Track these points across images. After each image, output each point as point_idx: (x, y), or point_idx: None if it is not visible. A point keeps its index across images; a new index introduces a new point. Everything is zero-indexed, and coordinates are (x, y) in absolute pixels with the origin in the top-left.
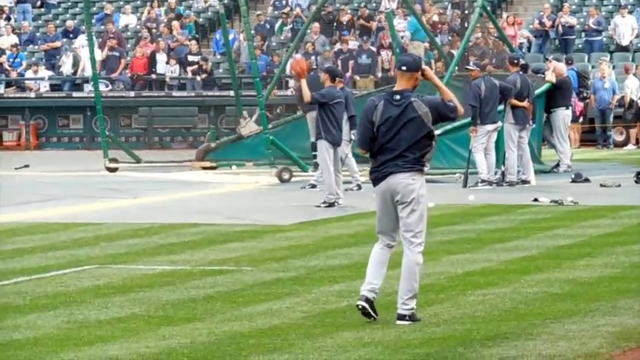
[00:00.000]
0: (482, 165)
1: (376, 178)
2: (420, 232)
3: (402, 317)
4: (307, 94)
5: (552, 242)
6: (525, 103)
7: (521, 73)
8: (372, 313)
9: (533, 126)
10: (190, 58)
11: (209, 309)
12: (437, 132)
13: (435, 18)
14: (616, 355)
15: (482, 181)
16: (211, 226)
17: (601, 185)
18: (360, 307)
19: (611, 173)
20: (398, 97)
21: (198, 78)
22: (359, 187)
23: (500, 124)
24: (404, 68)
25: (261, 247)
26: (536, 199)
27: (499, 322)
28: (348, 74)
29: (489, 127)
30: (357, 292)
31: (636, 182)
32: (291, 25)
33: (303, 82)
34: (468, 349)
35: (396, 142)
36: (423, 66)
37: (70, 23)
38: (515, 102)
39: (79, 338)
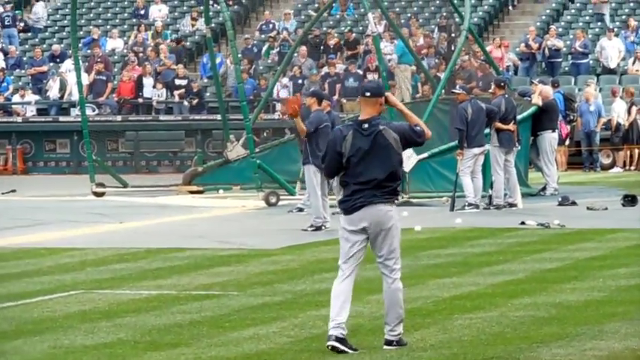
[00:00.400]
0: (470, 188)
1: (350, 208)
2: (398, 258)
3: (389, 343)
4: (303, 130)
5: (539, 266)
6: (511, 126)
7: (506, 96)
8: (345, 349)
9: (519, 148)
10: (177, 81)
11: (195, 334)
12: (424, 155)
13: (422, 41)
14: None
15: (470, 204)
16: (198, 251)
17: (588, 208)
18: (330, 347)
19: (598, 196)
20: (366, 125)
21: (186, 103)
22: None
23: (487, 147)
24: (368, 94)
25: (247, 272)
26: (523, 223)
27: (486, 347)
28: (335, 97)
29: (476, 150)
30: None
31: (623, 205)
32: (278, 49)
33: (298, 121)
34: None
35: (370, 172)
36: (386, 92)
37: (56, 47)
38: (500, 125)
39: None
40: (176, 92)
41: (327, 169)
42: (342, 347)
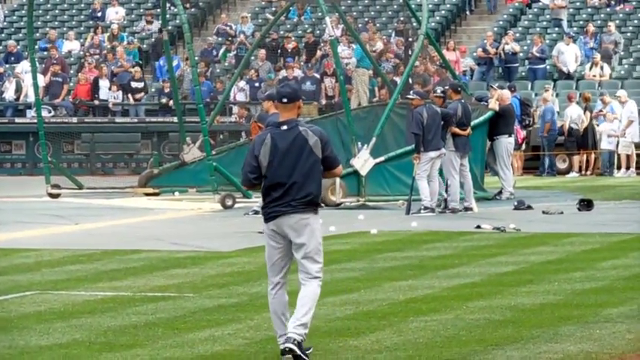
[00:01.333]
0: (426, 192)
1: (268, 215)
2: (319, 263)
3: (291, 340)
4: None
5: (494, 269)
6: (467, 132)
7: (462, 100)
8: (302, 355)
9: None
10: (134, 84)
11: (151, 335)
12: (380, 159)
13: (380, 46)
14: None
15: (425, 208)
16: (153, 253)
17: (543, 212)
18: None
19: (554, 201)
20: (285, 127)
21: (164, 100)
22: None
23: (443, 151)
24: (285, 100)
25: (203, 274)
26: (478, 226)
27: (441, 349)
28: None
29: (432, 154)
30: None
31: (579, 210)
32: (235, 52)
33: None
34: None
35: (288, 176)
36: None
37: (12, 45)
38: (456, 130)
39: None
40: (136, 96)
41: (243, 175)
42: (300, 352)
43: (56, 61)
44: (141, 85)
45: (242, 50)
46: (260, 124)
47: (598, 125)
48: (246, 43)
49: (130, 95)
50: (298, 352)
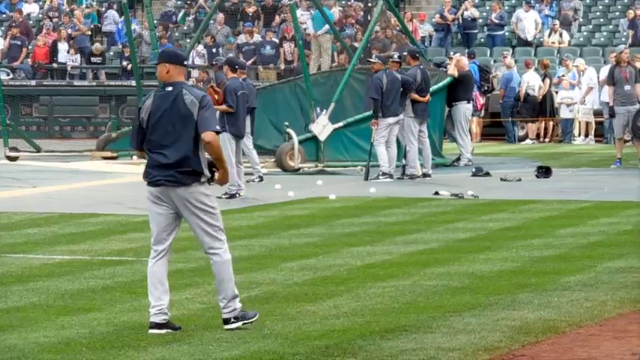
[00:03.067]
0: (384, 158)
1: (151, 181)
2: (218, 229)
3: (227, 321)
4: (228, 110)
5: (452, 235)
6: (426, 98)
7: (421, 66)
8: (170, 331)
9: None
10: (93, 59)
11: (108, 299)
12: (339, 124)
13: (335, 11)
14: (515, 349)
15: (384, 173)
16: (111, 217)
17: (502, 179)
18: (153, 334)
19: (512, 168)
20: (170, 88)
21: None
22: (261, 178)
23: (402, 117)
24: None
25: None
26: (436, 193)
27: (399, 315)
28: (249, 62)
29: (391, 119)
30: (257, 283)
31: (537, 177)
32: (194, 16)
33: (221, 107)
34: (368, 341)
35: (164, 137)
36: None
37: None
38: (415, 96)
39: None
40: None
41: (131, 136)
42: (164, 331)
43: (17, 24)
44: (99, 60)
45: (201, 14)
46: (216, 89)
47: (557, 92)
48: (205, 6)
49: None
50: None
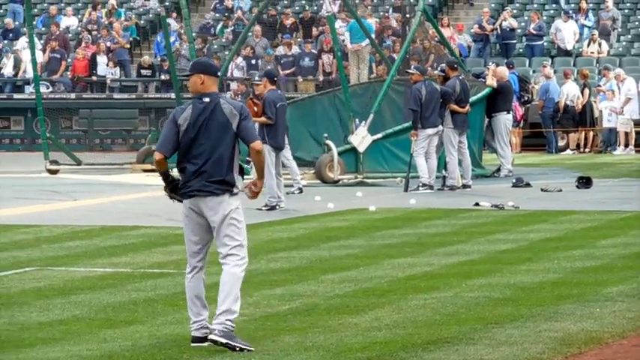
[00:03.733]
0: (424, 169)
1: (185, 194)
2: (239, 246)
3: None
4: (267, 121)
5: (493, 247)
6: (465, 109)
7: (460, 77)
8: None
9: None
10: (143, 72)
11: (150, 312)
12: (378, 136)
13: (373, 22)
14: None
15: (424, 185)
16: (152, 229)
17: (542, 190)
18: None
19: (553, 178)
20: (207, 99)
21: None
22: (300, 190)
23: (441, 128)
24: (195, 70)
25: None
26: (477, 204)
27: (440, 327)
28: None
29: (430, 131)
30: (298, 295)
31: (578, 187)
32: (232, 28)
33: (259, 120)
34: (410, 353)
35: (201, 147)
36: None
37: (8, 21)
38: (455, 107)
39: (20, 340)
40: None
41: (160, 140)
42: (206, 344)
43: (55, 38)
44: (149, 72)
45: (239, 26)
46: (256, 101)
47: (596, 102)
48: (243, 19)
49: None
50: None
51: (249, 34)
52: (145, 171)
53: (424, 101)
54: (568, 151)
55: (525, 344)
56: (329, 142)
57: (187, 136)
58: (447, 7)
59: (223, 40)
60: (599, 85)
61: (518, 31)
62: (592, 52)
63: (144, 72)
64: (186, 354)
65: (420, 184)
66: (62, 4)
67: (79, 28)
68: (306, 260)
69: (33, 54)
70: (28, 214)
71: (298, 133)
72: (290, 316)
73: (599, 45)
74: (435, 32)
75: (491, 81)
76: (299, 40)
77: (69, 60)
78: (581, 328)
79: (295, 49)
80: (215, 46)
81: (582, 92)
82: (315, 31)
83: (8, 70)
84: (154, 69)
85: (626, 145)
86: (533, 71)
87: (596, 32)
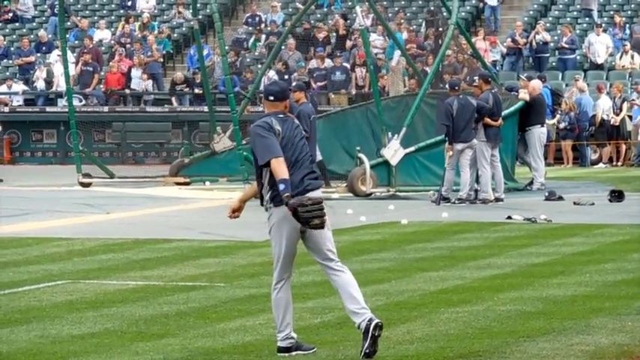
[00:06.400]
0: (449, 183)
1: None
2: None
3: (367, 328)
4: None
5: (526, 260)
6: (498, 122)
7: (493, 90)
8: (299, 352)
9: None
10: (178, 87)
11: (182, 325)
12: (411, 149)
13: (405, 35)
14: None
15: (458, 199)
16: (184, 242)
17: (575, 203)
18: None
19: (585, 192)
20: (282, 115)
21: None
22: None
23: (474, 143)
24: (271, 98)
25: (234, 263)
26: (509, 217)
27: (472, 340)
28: (318, 85)
29: (459, 146)
30: (330, 308)
31: (610, 201)
32: (266, 42)
33: None
34: None
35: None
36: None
37: (42, 34)
38: (488, 121)
39: (52, 353)
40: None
41: (272, 149)
42: (293, 353)
43: (88, 51)
44: (183, 87)
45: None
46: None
47: (631, 118)
48: (276, 32)
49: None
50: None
51: (282, 47)
52: (178, 184)
53: (455, 116)
54: (601, 165)
55: (557, 358)
56: (361, 155)
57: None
58: (480, 20)
59: (256, 53)
60: (633, 100)
61: (551, 44)
62: (624, 66)
63: (178, 88)
64: None
65: (457, 198)
66: (95, 18)
67: (112, 42)
68: None
69: (66, 67)
70: (60, 227)
71: (331, 146)
72: (322, 329)
73: (632, 57)
74: (469, 45)
75: (524, 95)
76: (332, 53)
77: (101, 73)
78: (613, 342)
79: (328, 62)
80: (248, 60)
81: (621, 107)
82: (348, 44)
83: (41, 84)
84: (188, 84)
85: None
86: (566, 85)
87: (628, 44)
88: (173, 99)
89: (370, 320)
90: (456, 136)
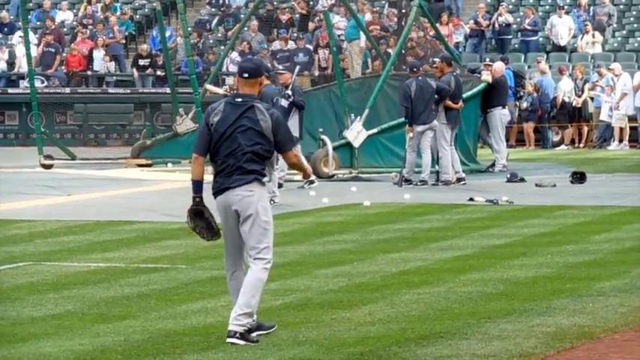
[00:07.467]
0: (409, 165)
1: (216, 191)
2: (266, 248)
3: (232, 334)
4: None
5: (487, 242)
6: (459, 105)
7: (455, 73)
8: (250, 339)
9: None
10: (141, 61)
11: (143, 307)
12: (373, 131)
13: (369, 17)
14: (550, 355)
15: (421, 180)
16: (146, 224)
17: (536, 185)
18: (230, 343)
19: (547, 173)
20: (240, 99)
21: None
22: (312, 182)
23: (434, 124)
24: (245, 75)
25: (196, 245)
26: (471, 199)
27: (434, 322)
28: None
29: (419, 128)
30: (292, 290)
31: (572, 182)
32: (225, 23)
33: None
34: (403, 348)
35: (232, 147)
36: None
37: (4, 15)
38: (449, 103)
39: (13, 335)
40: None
41: (195, 142)
42: (244, 341)
43: (50, 32)
44: (147, 61)
45: (229, 24)
46: None
47: (592, 99)
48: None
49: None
50: (242, 343)
51: (245, 28)
52: (140, 166)
53: (414, 97)
54: (563, 147)
55: (518, 339)
56: (324, 136)
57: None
58: (443, 2)
59: (219, 35)
60: (595, 81)
61: (514, 26)
62: (586, 44)
63: (142, 62)
64: (179, 349)
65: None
66: None
67: (74, 23)
68: (299, 255)
69: (28, 48)
70: (21, 208)
71: (293, 127)
72: (283, 310)
73: (593, 36)
74: (431, 27)
75: (487, 76)
76: (294, 35)
77: (63, 54)
78: (574, 323)
79: (291, 44)
80: (211, 41)
81: (582, 88)
82: (311, 26)
83: (3, 65)
84: (152, 58)
85: (621, 141)
86: (529, 67)
87: (589, 24)
88: (135, 71)
89: (229, 333)
90: (415, 117)
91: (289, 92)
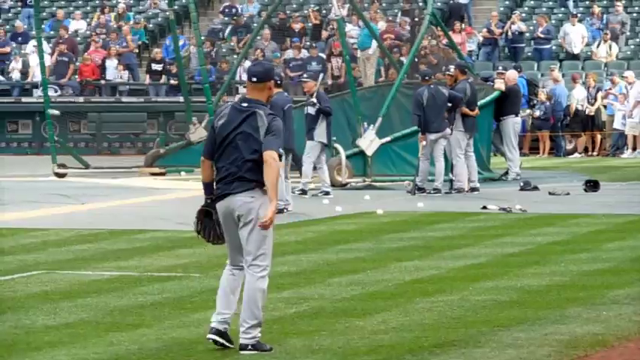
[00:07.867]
0: (423, 173)
1: (218, 196)
2: (263, 254)
3: (244, 347)
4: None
5: (501, 250)
6: (475, 112)
7: (470, 80)
8: (225, 343)
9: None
10: (154, 66)
11: (157, 315)
12: (386, 139)
13: (382, 25)
14: None
15: (434, 189)
16: (160, 233)
17: (550, 193)
18: (210, 340)
19: (560, 181)
20: (245, 104)
21: (172, 81)
22: (327, 193)
23: (448, 132)
24: (254, 79)
25: (209, 254)
26: (484, 207)
27: (447, 330)
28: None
29: (432, 136)
30: (305, 298)
31: (585, 191)
32: (238, 33)
33: None
34: (417, 356)
35: (233, 155)
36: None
37: (19, 24)
38: (466, 111)
39: (27, 344)
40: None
41: (204, 146)
42: (223, 341)
43: (63, 41)
44: (160, 67)
45: (241, 33)
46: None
47: (606, 107)
48: (244, 25)
49: (148, 76)
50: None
51: (258, 37)
52: (153, 174)
53: (426, 106)
54: (576, 155)
55: (532, 347)
56: (337, 145)
57: (219, 136)
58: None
59: (232, 43)
60: (609, 89)
61: (527, 34)
62: (603, 56)
63: (155, 66)
64: (192, 357)
65: (432, 188)
66: (71, 8)
67: (88, 32)
68: (313, 263)
69: (41, 57)
70: (35, 217)
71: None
72: (297, 319)
73: (610, 47)
74: (445, 36)
75: (500, 84)
76: (307, 43)
77: (77, 64)
78: (587, 331)
79: (304, 53)
80: (224, 50)
81: (595, 96)
82: (324, 34)
83: (16, 74)
84: (165, 64)
85: (634, 149)
86: (542, 75)
87: (608, 33)
88: (147, 77)
89: (241, 346)
90: (427, 126)
91: (314, 100)
